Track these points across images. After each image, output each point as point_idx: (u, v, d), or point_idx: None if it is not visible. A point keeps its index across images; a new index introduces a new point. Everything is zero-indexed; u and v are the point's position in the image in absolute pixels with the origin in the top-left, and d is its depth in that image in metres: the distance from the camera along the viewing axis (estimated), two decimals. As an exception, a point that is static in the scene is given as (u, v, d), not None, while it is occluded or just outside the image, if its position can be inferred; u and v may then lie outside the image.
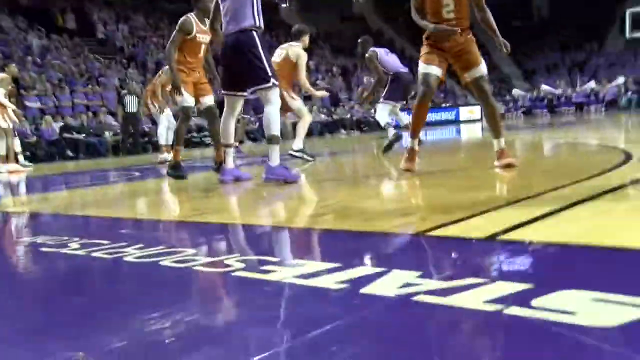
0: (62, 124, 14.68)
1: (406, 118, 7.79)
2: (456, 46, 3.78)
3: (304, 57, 6.48)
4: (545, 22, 37.50)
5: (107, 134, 15.28)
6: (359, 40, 7.68)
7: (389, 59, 7.45)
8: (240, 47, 3.94)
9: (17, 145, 11.21)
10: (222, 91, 4.30)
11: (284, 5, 39.20)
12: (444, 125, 21.16)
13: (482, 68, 3.85)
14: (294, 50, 6.41)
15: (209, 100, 5.37)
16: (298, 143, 6.66)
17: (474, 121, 22.66)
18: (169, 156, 8.91)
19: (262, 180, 4.00)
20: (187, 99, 5.16)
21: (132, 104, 14.11)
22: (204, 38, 5.19)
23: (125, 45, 22.84)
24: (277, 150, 4.02)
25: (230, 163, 4.40)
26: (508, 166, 3.75)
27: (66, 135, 14.31)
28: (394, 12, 35.71)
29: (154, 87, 9.29)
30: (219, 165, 5.45)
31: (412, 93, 7.69)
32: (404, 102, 7.94)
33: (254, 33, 3.94)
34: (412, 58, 32.71)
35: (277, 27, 32.25)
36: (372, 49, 7.44)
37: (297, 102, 6.61)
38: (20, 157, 11.26)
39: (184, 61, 5.12)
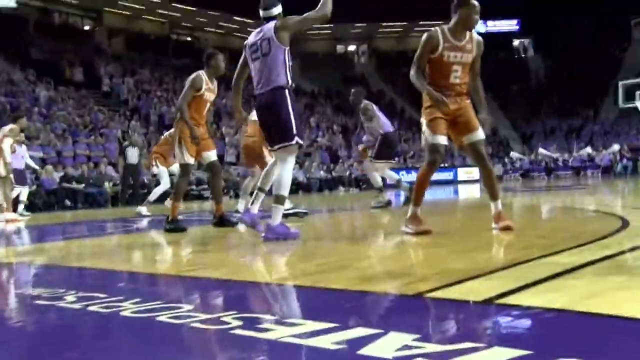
0: (62, 173, 14.75)
1: (395, 175, 8.01)
2: (458, 110, 3.87)
3: None
4: (542, 89, 38.45)
5: (106, 184, 15.33)
6: (352, 90, 8.01)
7: (381, 116, 7.78)
8: (272, 105, 4.02)
9: (23, 195, 11.24)
10: (269, 148, 4.35)
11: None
12: (442, 185, 21.29)
13: (480, 133, 3.93)
14: None
15: (212, 155, 5.47)
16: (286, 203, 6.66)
17: (472, 182, 22.82)
18: (146, 212, 8.92)
19: (262, 239, 4.00)
20: (187, 157, 5.27)
21: (133, 155, 14.24)
22: (210, 97, 5.35)
23: (129, 98, 23.28)
24: (281, 210, 4.03)
25: (255, 208, 4.37)
26: (506, 229, 3.77)
27: (66, 184, 14.35)
28: (395, 74, 36.62)
29: (161, 149, 9.32)
30: (218, 219, 5.47)
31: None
32: (394, 161, 8.19)
33: (286, 91, 4.03)
34: (412, 119, 33.31)
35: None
36: (366, 102, 7.77)
37: None
38: (21, 207, 11.27)
39: (190, 118, 5.23)
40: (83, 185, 14.64)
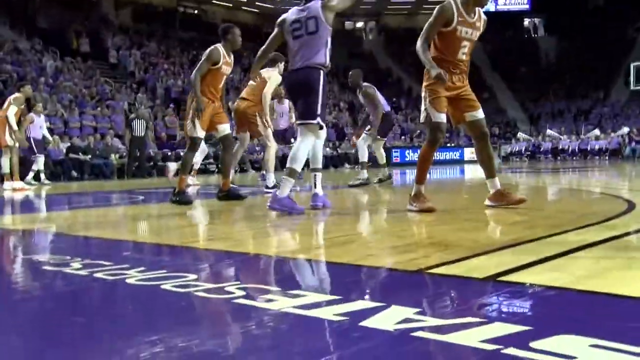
0: (69, 144, 14.78)
1: (384, 158, 8.27)
2: (461, 87, 3.88)
3: (275, 77, 6.71)
4: (552, 69, 37.91)
5: (113, 156, 15.38)
6: (350, 72, 8.05)
7: (381, 97, 7.88)
8: (306, 82, 4.12)
9: (40, 163, 11.34)
10: (298, 121, 4.38)
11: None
12: (448, 164, 21.26)
13: (481, 111, 3.96)
14: (269, 73, 6.67)
15: (225, 128, 5.49)
16: (271, 178, 6.80)
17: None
18: (192, 181, 8.90)
19: (267, 208, 4.03)
20: (199, 130, 5.29)
21: (140, 127, 14.24)
22: (227, 70, 5.37)
23: (136, 70, 23.17)
24: (291, 184, 4.08)
25: (320, 189, 4.42)
26: (520, 202, 3.87)
27: (72, 155, 14.39)
28: (403, 51, 36.22)
29: None
30: (224, 194, 5.50)
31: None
32: (386, 138, 8.38)
33: (322, 72, 4.12)
34: (419, 97, 33.06)
35: (287, 61, 32.61)
36: (366, 84, 7.83)
37: (267, 130, 6.80)
38: (42, 175, 11.42)
39: (206, 91, 5.26)
40: (89, 156, 14.69)
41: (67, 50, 22.02)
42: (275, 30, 4.33)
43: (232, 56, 5.41)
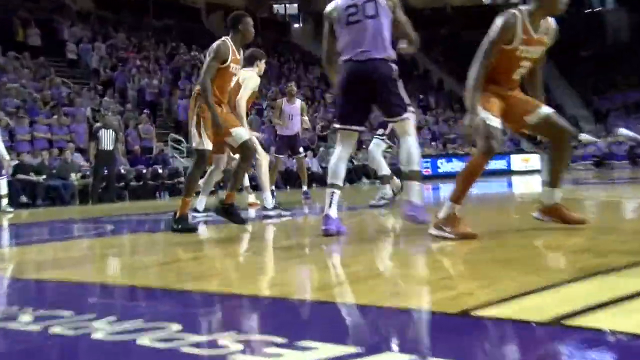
0: (16, 162, 14.81)
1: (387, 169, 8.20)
2: (517, 95, 4.00)
3: (252, 79, 6.88)
4: (623, 51, 37.53)
5: (73, 176, 15.42)
6: None
7: None
8: (381, 77, 4.37)
9: (2, 187, 11.43)
10: (339, 125, 4.56)
11: (295, 25, 40.09)
12: (493, 176, 21.17)
13: (546, 107, 3.97)
14: (246, 73, 6.82)
15: (242, 133, 5.51)
16: (268, 198, 6.85)
17: (529, 172, 22.67)
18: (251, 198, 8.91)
19: (404, 216, 4.40)
20: (206, 142, 5.35)
21: (107, 139, 14.27)
22: (236, 69, 5.45)
23: (101, 68, 23.35)
24: (418, 187, 4.34)
25: (334, 211, 4.45)
26: (581, 222, 3.92)
27: (21, 176, 14.35)
28: (430, 38, 36.27)
29: None
30: (227, 207, 5.50)
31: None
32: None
33: (394, 65, 4.42)
34: (453, 93, 33.01)
35: (286, 51, 32.89)
36: None
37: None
38: (4, 201, 11.50)
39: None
40: (43, 176, 14.73)
41: (10, 44, 22.11)
42: (325, 24, 4.59)
43: (242, 51, 5.51)
